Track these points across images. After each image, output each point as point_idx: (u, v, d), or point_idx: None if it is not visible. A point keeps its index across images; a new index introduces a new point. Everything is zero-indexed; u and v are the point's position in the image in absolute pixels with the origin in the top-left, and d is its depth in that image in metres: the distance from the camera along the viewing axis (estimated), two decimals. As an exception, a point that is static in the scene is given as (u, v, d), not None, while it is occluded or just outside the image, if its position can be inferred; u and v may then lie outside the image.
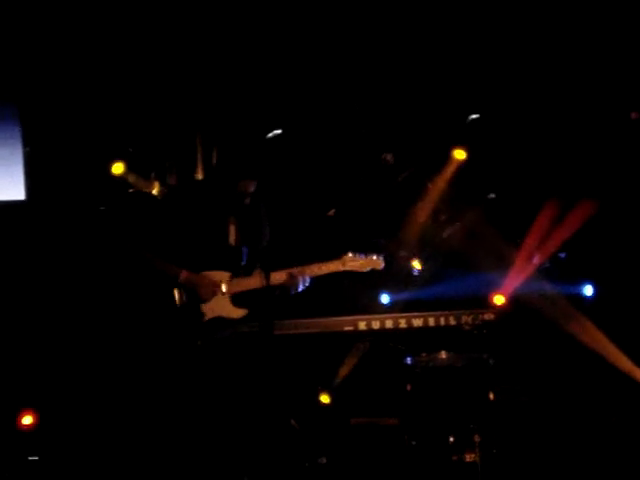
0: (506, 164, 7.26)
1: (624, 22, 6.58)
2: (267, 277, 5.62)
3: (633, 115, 6.79)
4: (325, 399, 6.93)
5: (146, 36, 7.00)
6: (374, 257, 6.04)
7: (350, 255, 6.00)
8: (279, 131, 7.33)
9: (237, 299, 5.81)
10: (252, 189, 5.76)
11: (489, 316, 6.61)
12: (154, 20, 6.94)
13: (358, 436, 6.69)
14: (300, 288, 5.84)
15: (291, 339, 6.50)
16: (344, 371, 7.08)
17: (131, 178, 7.40)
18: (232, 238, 5.87)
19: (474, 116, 7.23)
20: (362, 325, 6.66)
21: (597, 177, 6.97)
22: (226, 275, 5.81)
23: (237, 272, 5.84)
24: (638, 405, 6.62)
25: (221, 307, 5.80)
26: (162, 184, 7.49)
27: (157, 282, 5.71)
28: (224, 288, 5.73)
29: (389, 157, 7.32)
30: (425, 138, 7.23)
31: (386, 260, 6.04)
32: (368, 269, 6.03)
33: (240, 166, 5.72)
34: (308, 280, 5.84)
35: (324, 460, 6.25)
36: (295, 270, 5.82)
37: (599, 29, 6.61)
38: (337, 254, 6.03)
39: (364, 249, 6.11)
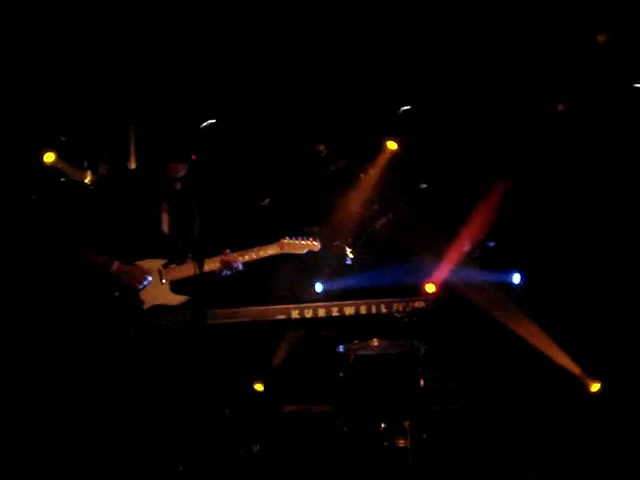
0: (438, 154, 7.34)
1: (553, 15, 6.68)
2: (200, 265, 5.63)
3: (559, 107, 6.91)
4: (259, 387, 6.96)
5: (77, 23, 6.94)
6: (310, 240, 6.11)
7: (287, 239, 6.05)
8: (213, 121, 7.32)
9: (176, 286, 5.82)
10: (183, 173, 5.76)
11: (420, 304, 6.70)
12: (85, 6, 6.88)
13: (291, 423, 6.72)
14: (232, 271, 5.87)
15: (224, 328, 6.51)
16: (277, 359, 7.11)
17: (63, 167, 7.34)
18: (165, 226, 5.86)
19: (406, 107, 7.29)
20: (295, 313, 6.70)
21: (527, 167, 7.08)
22: (159, 263, 5.80)
23: (171, 259, 5.84)
24: (565, 389, 6.75)
25: (160, 295, 5.82)
26: (94, 173, 7.44)
27: (90, 273, 5.68)
28: (156, 279, 5.73)
29: (322, 148, 7.36)
30: (358, 129, 7.27)
31: (321, 246, 6.10)
32: (305, 251, 6.09)
33: (170, 149, 5.71)
34: (240, 265, 5.87)
35: (257, 448, 6.26)
36: (230, 256, 5.85)
37: (527, 21, 6.71)
38: (273, 241, 6.07)
39: (301, 235, 6.16)
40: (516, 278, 7.18)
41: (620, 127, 6.85)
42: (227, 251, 5.93)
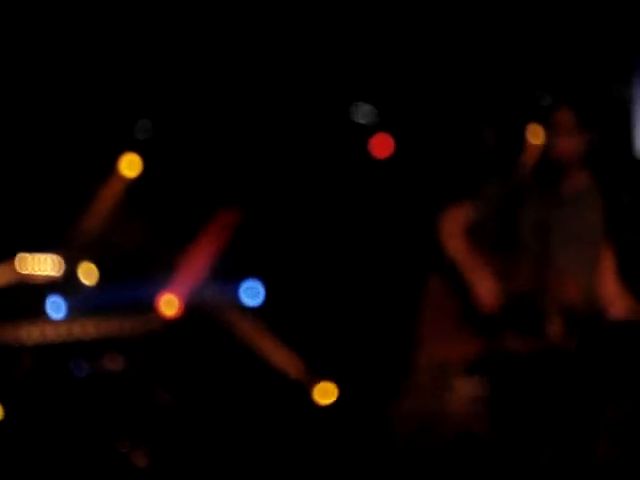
0: (177, 174, 7.37)
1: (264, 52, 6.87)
2: None
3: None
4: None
5: None
6: (52, 258, 5.95)
7: (24, 256, 5.85)
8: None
9: None
10: None
11: (158, 321, 6.72)
12: None
13: (28, 447, 6.53)
14: None
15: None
16: (12, 385, 6.89)
17: None
18: None
19: (145, 123, 7.30)
20: (27, 336, 6.52)
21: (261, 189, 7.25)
22: None
23: None
24: (300, 401, 6.92)
25: None
26: None
27: None
28: None
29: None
30: (94, 146, 7.19)
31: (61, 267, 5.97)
32: (45, 272, 5.93)
33: None
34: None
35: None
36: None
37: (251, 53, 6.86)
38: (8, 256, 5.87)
39: (39, 250, 6.00)
40: (255, 293, 7.32)
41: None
42: None
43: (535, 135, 4.46)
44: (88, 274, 7.23)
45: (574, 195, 4.37)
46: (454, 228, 4.36)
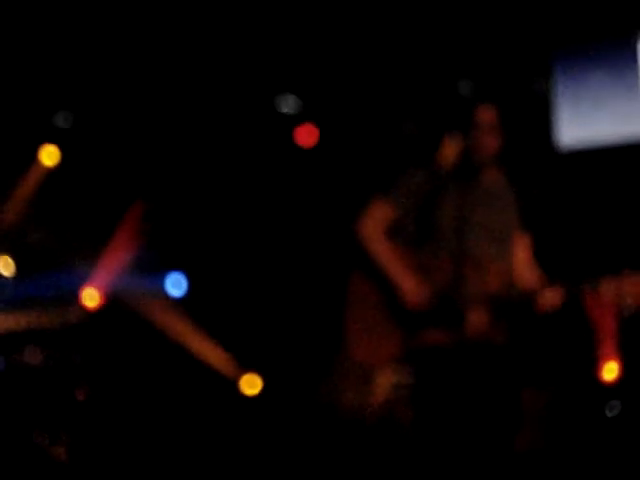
0: (98, 165, 7.31)
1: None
2: None
3: None
4: None
5: None
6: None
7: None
8: None
9: None
10: None
11: (79, 314, 6.67)
12: None
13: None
14: None
15: None
16: None
17: None
18: None
19: (62, 116, 7.23)
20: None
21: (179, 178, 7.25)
22: None
23: None
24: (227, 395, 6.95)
25: None
26: None
27: None
28: None
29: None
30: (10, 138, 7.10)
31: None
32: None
33: None
34: None
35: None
36: None
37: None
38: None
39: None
40: (178, 284, 7.32)
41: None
42: None
43: (454, 131, 4.52)
44: (4, 266, 7.14)
45: (489, 189, 4.47)
46: (373, 228, 4.40)
